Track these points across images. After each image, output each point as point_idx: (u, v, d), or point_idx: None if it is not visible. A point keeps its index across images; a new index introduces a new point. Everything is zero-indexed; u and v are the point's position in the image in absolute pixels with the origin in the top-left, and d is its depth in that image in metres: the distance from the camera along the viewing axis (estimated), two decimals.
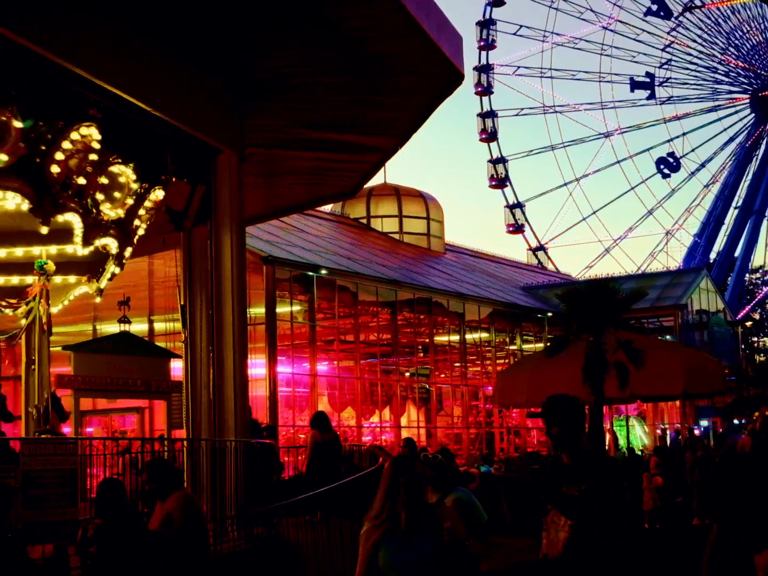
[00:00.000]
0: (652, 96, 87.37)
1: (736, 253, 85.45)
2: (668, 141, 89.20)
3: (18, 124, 10.42)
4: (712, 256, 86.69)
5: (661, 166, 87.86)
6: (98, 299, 15.00)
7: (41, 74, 10.63)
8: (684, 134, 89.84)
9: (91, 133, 11.26)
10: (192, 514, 8.74)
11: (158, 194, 12.94)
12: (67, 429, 16.12)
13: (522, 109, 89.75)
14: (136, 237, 13.20)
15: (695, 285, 50.11)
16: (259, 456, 14.16)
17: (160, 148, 12.90)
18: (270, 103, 15.45)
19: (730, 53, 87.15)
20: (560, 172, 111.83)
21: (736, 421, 45.39)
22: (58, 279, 15.69)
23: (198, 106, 13.71)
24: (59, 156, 10.91)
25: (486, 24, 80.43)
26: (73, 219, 11.53)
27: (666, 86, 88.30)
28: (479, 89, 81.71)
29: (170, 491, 8.82)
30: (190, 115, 13.39)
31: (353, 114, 16.09)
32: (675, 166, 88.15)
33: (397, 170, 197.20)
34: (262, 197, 19.44)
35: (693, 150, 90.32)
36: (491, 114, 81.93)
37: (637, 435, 46.73)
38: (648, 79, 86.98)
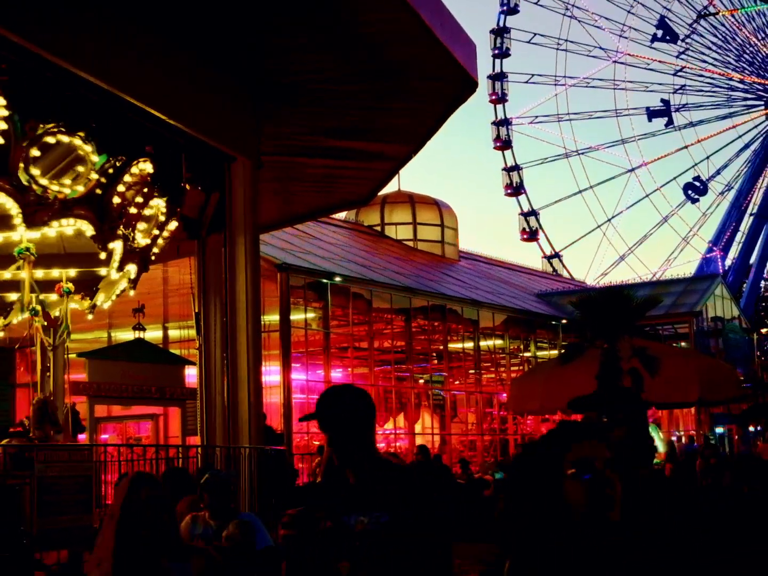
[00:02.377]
0: (670, 123, 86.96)
1: (752, 260, 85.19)
2: (693, 166, 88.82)
3: (95, 158, 10.57)
4: (728, 263, 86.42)
5: (689, 191, 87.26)
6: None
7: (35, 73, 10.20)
8: (708, 157, 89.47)
9: (147, 168, 11.46)
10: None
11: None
12: (81, 436, 16.19)
13: (546, 158, 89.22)
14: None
15: (710, 292, 49.91)
16: (272, 463, 14.18)
17: (131, 119, 12.20)
18: (284, 110, 15.48)
19: (742, 69, 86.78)
20: (591, 214, 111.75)
21: (751, 428, 45.23)
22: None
23: (212, 113, 13.75)
24: (120, 188, 10.79)
25: (497, 77, 79.96)
26: (116, 246, 11.29)
27: (683, 111, 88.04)
28: (498, 144, 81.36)
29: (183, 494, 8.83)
30: (204, 121, 13.43)
31: (367, 121, 16.11)
32: (702, 190, 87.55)
33: (412, 178, 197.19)
34: (276, 204, 19.48)
35: (718, 171, 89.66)
36: (516, 168, 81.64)
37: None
38: (664, 106, 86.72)
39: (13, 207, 10.76)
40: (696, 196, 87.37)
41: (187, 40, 12.85)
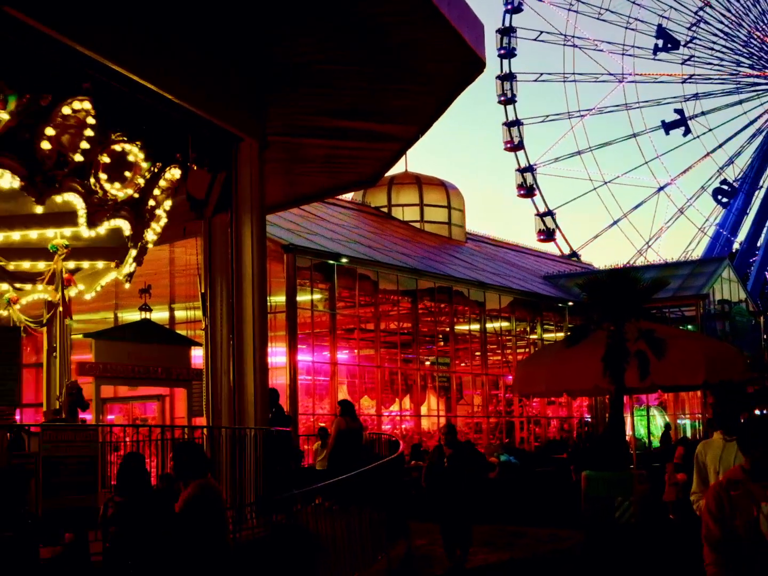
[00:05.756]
0: (687, 132, 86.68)
1: (759, 243, 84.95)
2: (719, 170, 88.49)
3: (144, 164, 11.01)
4: (735, 245, 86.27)
5: (719, 197, 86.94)
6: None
7: (36, 47, 10.30)
8: (731, 160, 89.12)
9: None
10: (209, 504, 8.70)
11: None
12: (88, 416, 16.19)
13: (576, 197, 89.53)
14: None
15: (717, 275, 49.82)
16: (278, 443, 14.17)
17: (170, 126, 12.81)
18: (291, 91, 15.42)
19: (751, 65, 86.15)
20: (630, 241, 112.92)
21: (757, 412, 45.17)
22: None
23: (219, 94, 13.70)
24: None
25: (513, 123, 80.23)
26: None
27: (699, 118, 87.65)
28: (523, 191, 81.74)
29: (192, 478, 8.77)
30: (211, 102, 13.38)
31: (374, 102, 16.05)
32: (731, 192, 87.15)
33: (419, 159, 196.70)
34: (283, 185, 19.43)
35: (742, 171, 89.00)
36: (549, 213, 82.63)
37: (658, 425, 46.57)
38: (678, 116, 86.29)
39: (81, 208, 11.46)
40: (726, 200, 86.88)
41: (193, 23, 12.79)
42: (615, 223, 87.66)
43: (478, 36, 14.31)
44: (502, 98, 79.91)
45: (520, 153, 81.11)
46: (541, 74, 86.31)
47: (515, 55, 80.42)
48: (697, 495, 8.32)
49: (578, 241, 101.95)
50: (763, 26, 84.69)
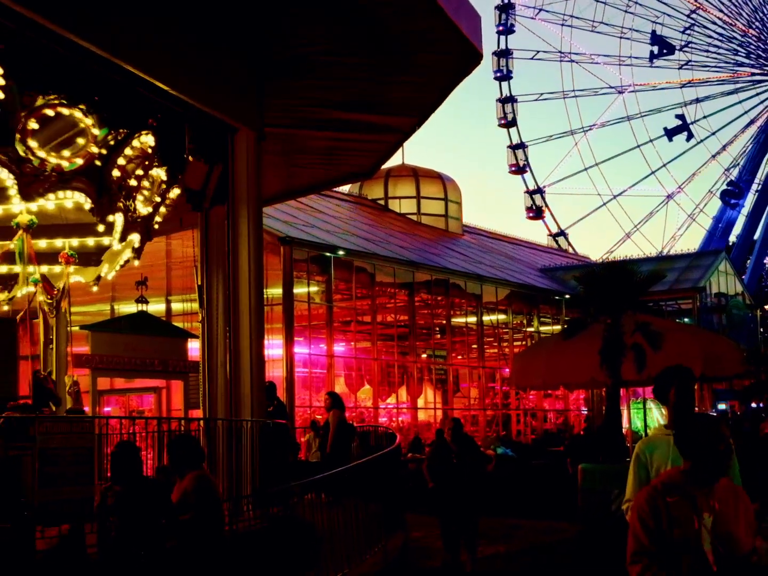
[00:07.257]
0: (690, 136, 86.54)
1: (756, 236, 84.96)
2: (725, 172, 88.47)
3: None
4: (732, 238, 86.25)
5: (727, 198, 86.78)
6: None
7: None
8: (736, 162, 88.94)
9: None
10: (206, 495, 8.71)
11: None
12: (84, 408, 16.18)
13: (587, 214, 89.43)
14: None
15: (714, 268, 49.86)
16: (274, 436, 14.16)
17: (182, 147, 13.09)
18: (289, 82, 15.39)
19: (751, 65, 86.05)
20: (644, 254, 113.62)
21: (753, 405, 45.27)
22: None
23: (215, 84, 13.66)
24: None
25: (518, 146, 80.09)
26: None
27: (701, 122, 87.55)
28: (532, 214, 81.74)
29: (188, 470, 8.78)
30: (207, 93, 13.33)
31: (372, 93, 16.03)
32: (739, 193, 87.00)
33: (416, 151, 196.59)
34: (280, 177, 19.40)
35: (749, 171, 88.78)
36: (561, 233, 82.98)
37: (654, 418, 46.59)
38: (680, 121, 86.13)
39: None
40: (735, 201, 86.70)
41: (190, 12, 12.76)
42: (628, 236, 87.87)
43: (475, 28, 14.29)
44: (503, 121, 79.89)
45: (527, 175, 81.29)
46: (541, 94, 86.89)
47: (512, 77, 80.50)
48: (631, 503, 6.48)
49: (592, 257, 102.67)
50: (758, 23, 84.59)
